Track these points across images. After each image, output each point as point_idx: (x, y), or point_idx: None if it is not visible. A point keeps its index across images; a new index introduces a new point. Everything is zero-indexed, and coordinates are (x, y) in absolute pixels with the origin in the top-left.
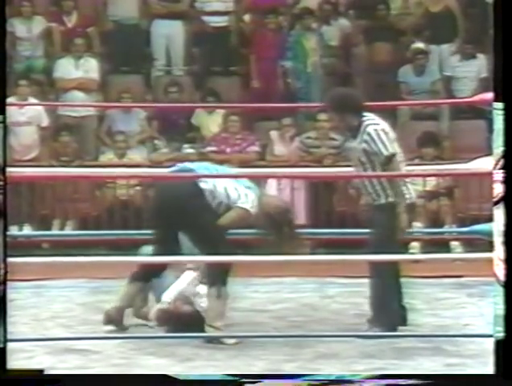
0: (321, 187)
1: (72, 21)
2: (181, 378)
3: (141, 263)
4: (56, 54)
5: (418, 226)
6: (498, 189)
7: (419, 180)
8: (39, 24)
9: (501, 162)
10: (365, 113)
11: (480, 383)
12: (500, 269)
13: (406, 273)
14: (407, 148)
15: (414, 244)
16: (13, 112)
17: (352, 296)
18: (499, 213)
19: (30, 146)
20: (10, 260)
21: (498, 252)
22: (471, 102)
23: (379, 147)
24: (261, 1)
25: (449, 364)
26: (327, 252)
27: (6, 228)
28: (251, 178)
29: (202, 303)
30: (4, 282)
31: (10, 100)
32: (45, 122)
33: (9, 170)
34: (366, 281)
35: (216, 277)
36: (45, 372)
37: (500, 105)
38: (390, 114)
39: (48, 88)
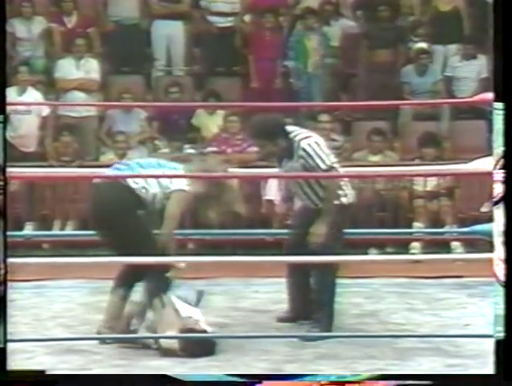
0: None
1: (72, 21)
2: (181, 378)
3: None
4: (56, 54)
5: (418, 226)
6: (498, 189)
7: (419, 180)
8: (39, 24)
9: (501, 162)
10: (292, 129)
11: (480, 383)
12: (500, 269)
13: (407, 273)
14: (408, 148)
15: (415, 245)
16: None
17: (352, 296)
18: (499, 213)
19: (29, 137)
20: (11, 260)
21: (498, 252)
22: (471, 102)
23: (316, 162)
24: (262, 1)
25: (450, 365)
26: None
27: (6, 228)
28: (251, 179)
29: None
30: (4, 282)
31: (9, 89)
32: (45, 112)
33: (9, 170)
34: (366, 281)
35: (156, 287)
36: (45, 373)
37: (500, 105)
38: (391, 114)
39: (49, 88)
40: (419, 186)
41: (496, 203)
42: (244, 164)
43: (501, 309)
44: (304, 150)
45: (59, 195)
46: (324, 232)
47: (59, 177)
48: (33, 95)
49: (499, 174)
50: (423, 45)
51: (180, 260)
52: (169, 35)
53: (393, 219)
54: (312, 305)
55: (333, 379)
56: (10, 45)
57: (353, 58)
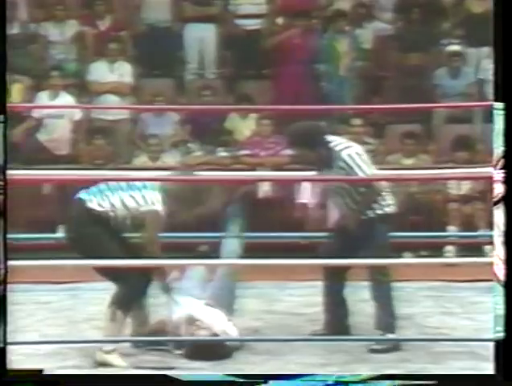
0: None
1: (104, 24)
2: (181, 378)
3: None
4: (89, 57)
5: (452, 229)
6: (498, 189)
7: (453, 184)
8: (71, 28)
9: (501, 162)
10: (332, 138)
11: (480, 383)
12: (500, 269)
13: (442, 276)
14: (441, 151)
15: (449, 248)
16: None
17: None
18: (499, 213)
19: (62, 140)
20: (42, 262)
21: (498, 252)
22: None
23: (357, 173)
24: (293, 3)
25: (483, 369)
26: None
27: (6, 229)
28: (284, 182)
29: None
30: (4, 282)
31: (42, 93)
32: (78, 115)
33: (9, 172)
34: (401, 284)
35: (116, 298)
36: (44, 372)
37: (500, 105)
38: (424, 117)
39: (82, 91)
40: (452, 189)
41: (496, 203)
42: (277, 167)
43: (501, 309)
44: (345, 162)
45: None
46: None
47: (58, 179)
48: (65, 99)
49: (499, 174)
50: (455, 47)
51: (214, 263)
52: (201, 38)
53: (427, 222)
54: (349, 317)
55: (334, 379)
56: (43, 48)
57: (385, 60)
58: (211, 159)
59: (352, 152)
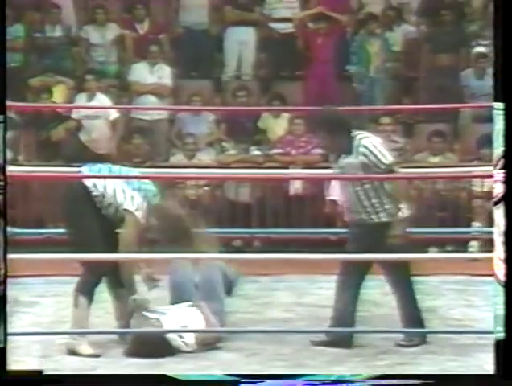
0: None
1: (144, 28)
2: (181, 378)
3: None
4: (129, 60)
5: (477, 225)
6: (498, 189)
7: (477, 181)
8: (112, 31)
9: (501, 162)
10: (353, 129)
11: (480, 383)
12: (500, 269)
13: (466, 270)
14: (468, 150)
15: (473, 243)
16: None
17: None
18: (499, 213)
19: (101, 141)
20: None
21: (498, 252)
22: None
23: (378, 158)
24: (326, 7)
25: None
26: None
27: (6, 227)
28: (308, 179)
29: None
30: (4, 281)
31: (79, 96)
32: (113, 115)
33: (9, 169)
34: (426, 278)
35: (81, 284)
36: (45, 373)
37: (500, 105)
38: (451, 116)
39: (121, 92)
40: (477, 186)
41: (496, 203)
42: (308, 165)
43: (501, 309)
44: (366, 147)
45: None
46: (400, 232)
47: (58, 176)
48: (101, 100)
49: (499, 174)
50: (481, 49)
51: (243, 258)
52: (239, 41)
53: (452, 218)
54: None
55: (334, 378)
56: (84, 51)
57: (414, 62)
58: (245, 157)
59: (372, 140)
